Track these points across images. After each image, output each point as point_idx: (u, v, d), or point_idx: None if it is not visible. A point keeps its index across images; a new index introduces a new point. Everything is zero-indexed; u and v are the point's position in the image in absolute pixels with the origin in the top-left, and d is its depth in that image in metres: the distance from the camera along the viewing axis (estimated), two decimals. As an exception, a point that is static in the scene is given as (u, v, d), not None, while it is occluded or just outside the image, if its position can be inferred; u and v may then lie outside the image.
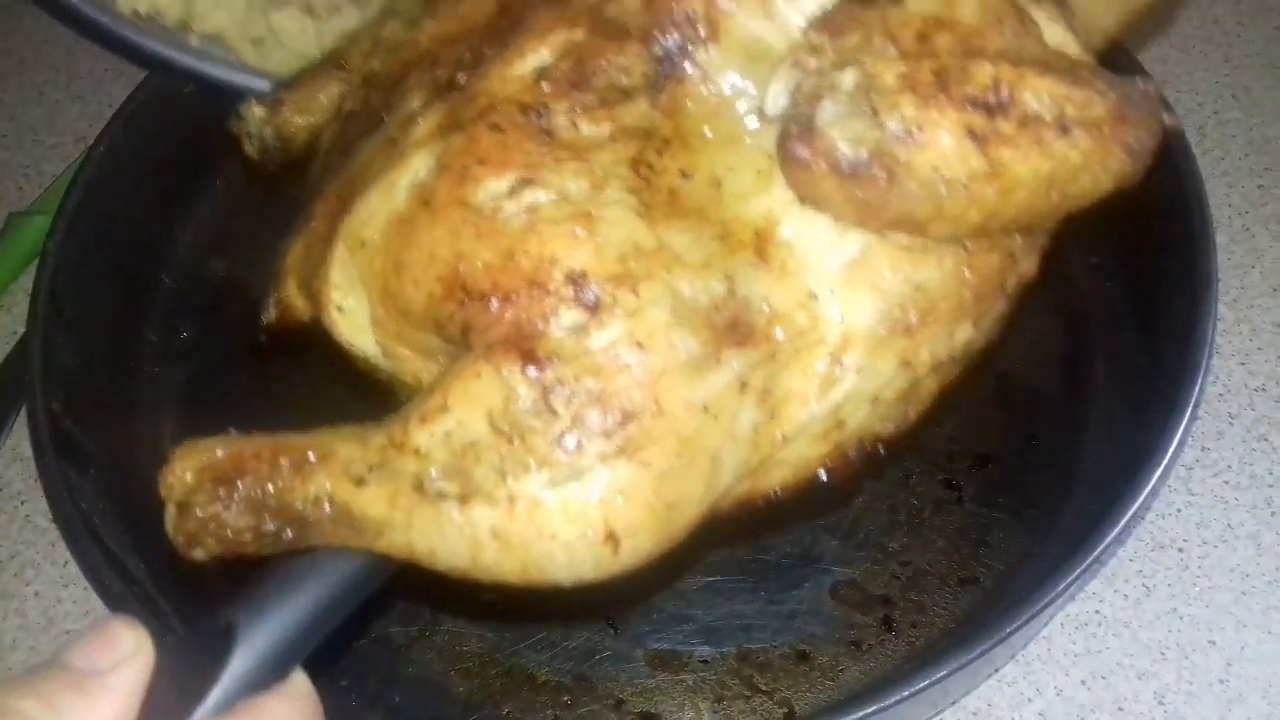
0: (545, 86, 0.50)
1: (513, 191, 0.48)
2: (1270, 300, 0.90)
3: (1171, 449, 0.65)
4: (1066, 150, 0.46)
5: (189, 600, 0.68)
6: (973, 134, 0.45)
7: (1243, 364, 0.86)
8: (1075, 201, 0.48)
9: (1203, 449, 0.82)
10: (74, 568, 0.75)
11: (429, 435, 0.47)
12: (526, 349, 0.46)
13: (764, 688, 0.70)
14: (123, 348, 0.85)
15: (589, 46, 0.50)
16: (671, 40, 0.50)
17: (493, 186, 0.48)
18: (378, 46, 0.59)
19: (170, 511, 0.48)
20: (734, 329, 0.47)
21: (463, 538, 0.46)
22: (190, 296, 0.90)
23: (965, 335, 0.51)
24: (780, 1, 0.50)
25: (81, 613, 0.79)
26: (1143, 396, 0.74)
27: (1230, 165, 0.97)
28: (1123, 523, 0.62)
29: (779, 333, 0.48)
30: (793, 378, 0.48)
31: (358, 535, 0.48)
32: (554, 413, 0.45)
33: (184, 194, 0.92)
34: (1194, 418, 0.67)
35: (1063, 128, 0.45)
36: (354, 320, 0.53)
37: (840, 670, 0.70)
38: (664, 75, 0.50)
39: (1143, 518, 0.77)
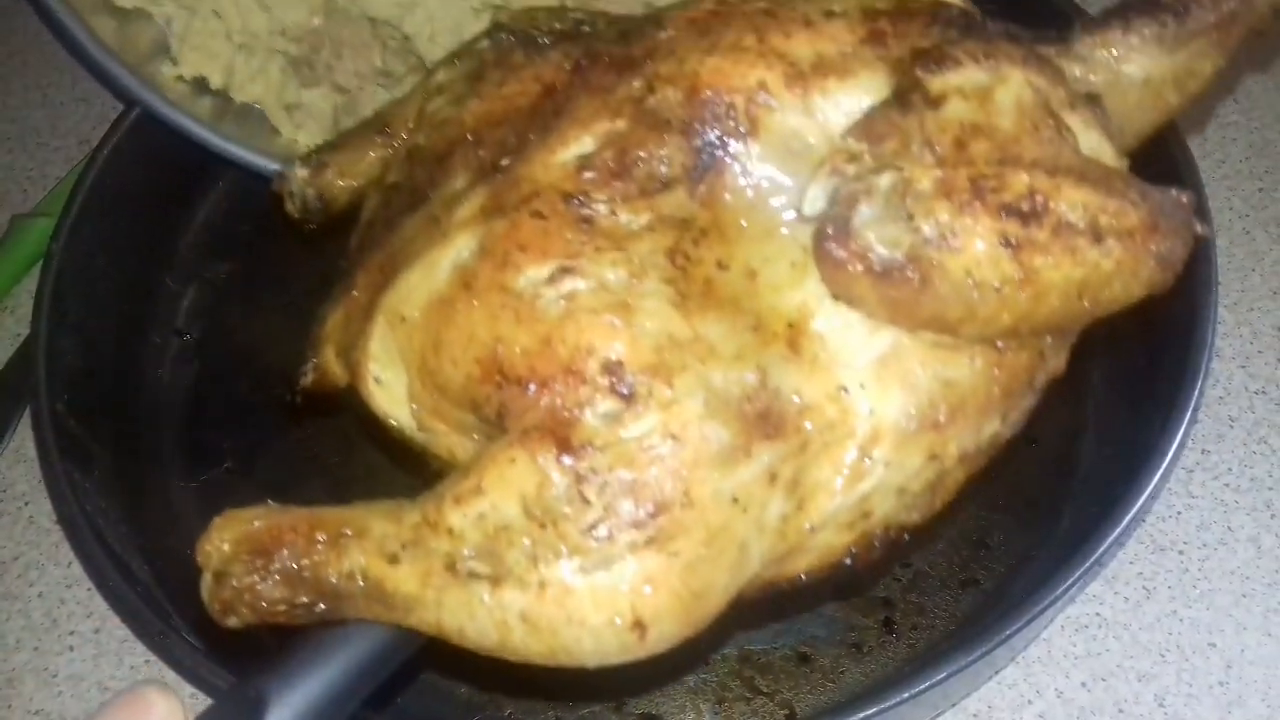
0: (587, 175, 0.51)
1: (552, 279, 0.49)
2: (1270, 303, 0.90)
3: (1171, 452, 0.65)
4: (1099, 259, 0.46)
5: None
6: (1007, 240, 0.46)
7: (1243, 367, 0.87)
8: (1106, 307, 0.48)
9: (1203, 452, 0.82)
10: (78, 569, 0.77)
11: (463, 516, 0.48)
12: (561, 436, 0.47)
13: (765, 689, 0.71)
14: (127, 350, 0.86)
15: (631, 136, 0.51)
16: (712, 133, 0.51)
17: (533, 273, 0.49)
18: (423, 121, 0.60)
19: (207, 579, 0.49)
20: (765, 420, 0.48)
21: (492, 619, 0.47)
22: (194, 299, 0.91)
23: (993, 429, 0.51)
24: (819, 99, 0.51)
25: (85, 614, 0.80)
26: (1142, 400, 0.74)
27: (1231, 168, 0.97)
28: (1122, 525, 0.62)
29: (809, 425, 0.48)
30: (821, 469, 0.49)
31: (389, 611, 0.49)
32: (586, 501, 0.46)
33: (187, 197, 0.94)
34: (1194, 421, 0.67)
35: (1096, 236, 0.46)
36: (390, 392, 0.54)
37: (841, 672, 0.71)
38: (703, 167, 0.51)
39: (1143, 520, 0.78)
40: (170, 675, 0.73)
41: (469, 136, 0.56)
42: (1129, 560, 0.77)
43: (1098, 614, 0.75)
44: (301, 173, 0.68)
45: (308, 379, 0.60)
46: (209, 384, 0.88)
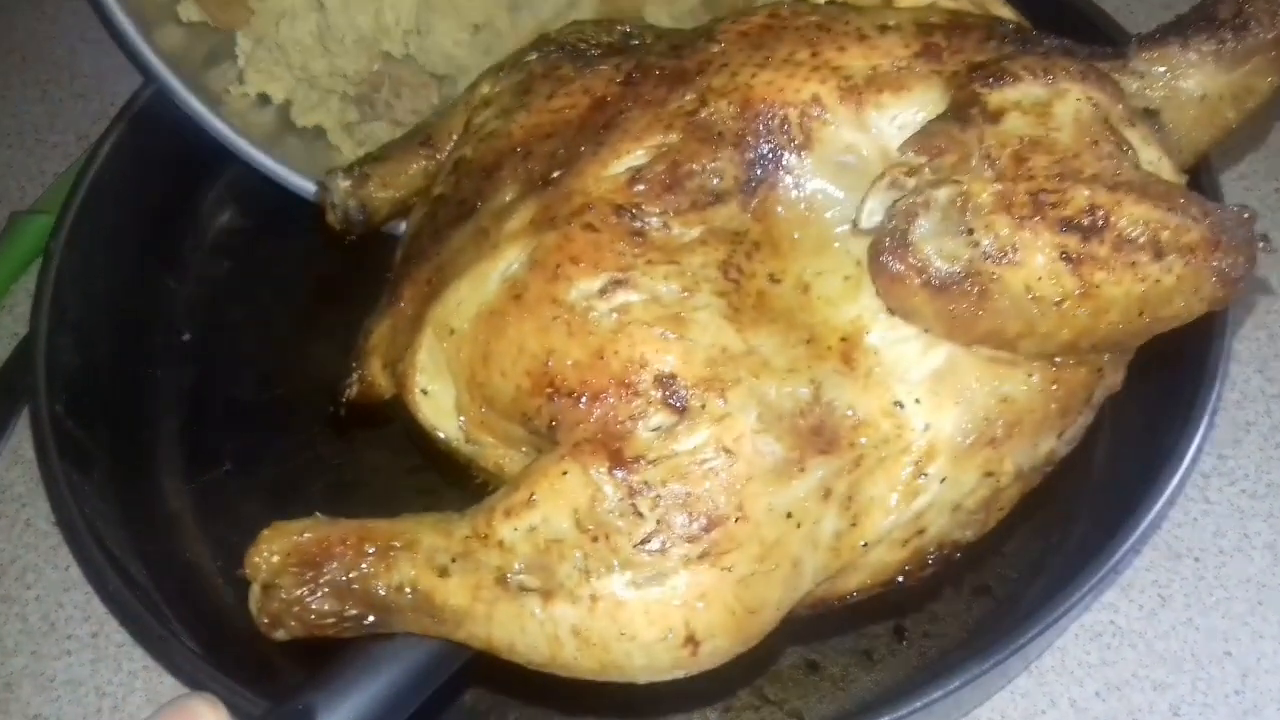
0: (639, 187, 0.50)
1: (604, 291, 0.48)
2: None
3: (1188, 457, 0.64)
4: (1160, 275, 0.46)
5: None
6: (1067, 255, 0.45)
7: (1260, 371, 0.85)
8: (1166, 323, 0.48)
9: (1219, 457, 0.81)
10: (75, 571, 0.77)
11: (514, 529, 0.47)
12: (614, 449, 0.47)
13: (773, 698, 0.69)
14: (126, 350, 0.86)
15: (683, 149, 0.51)
16: (765, 146, 0.51)
17: (585, 285, 0.49)
18: (469, 133, 0.60)
19: (255, 592, 0.49)
20: (819, 435, 0.47)
21: (543, 634, 0.47)
22: (193, 298, 0.90)
23: (1049, 446, 0.51)
24: (873, 113, 0.50)
25: (83, 617, 0.79)
26: (1158, 404, 0.72)
27: (1247, 168, 0.96)
28: (1138, 532, 0.62)
29: (863, 440, 0.48)
30: (876, 485, 0.48)
31: (438, 624, 0.48)
32: (639, 514, 0.46)
33: (187, 195, 0.93)
34: (1211, 425, 0.66)
35: (1157, 252, 0.46)
36: (437, 404, 0.54)
37: (851, 680, 0.69)
38: (756, 180, 0.51)
39: (1158, 527, 0.77)
40: (169, 680, 0.73)
41: (517, 149, 0.56)
42: (1144, 567, 0.76)
43: (1112, 622, 0.75)
44: (344, 183, 0.68)
45: (353, 391, 0.60)
46: (209, 384, 0.87)
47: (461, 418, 0.53)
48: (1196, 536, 0.78)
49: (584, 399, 0.48)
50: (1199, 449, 0.65)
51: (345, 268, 0.79)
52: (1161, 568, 0.77)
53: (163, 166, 0.87)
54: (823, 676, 0.70)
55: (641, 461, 0.46)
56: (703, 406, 0.47)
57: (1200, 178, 0.74)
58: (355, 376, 0.60)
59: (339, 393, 0.61)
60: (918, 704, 0.57)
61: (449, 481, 0.60)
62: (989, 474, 0.50)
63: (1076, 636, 0.74)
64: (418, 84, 0.79)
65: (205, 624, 0.72)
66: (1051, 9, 0.83)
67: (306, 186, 0.79)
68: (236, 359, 0.88)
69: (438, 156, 0.66)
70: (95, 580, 0.67)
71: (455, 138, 0.65)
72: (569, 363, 0.48)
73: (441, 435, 0.55)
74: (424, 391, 0.54)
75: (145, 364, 0.87)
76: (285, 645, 0.71)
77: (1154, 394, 0.73)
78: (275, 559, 0.49)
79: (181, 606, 0.71)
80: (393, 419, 0.62)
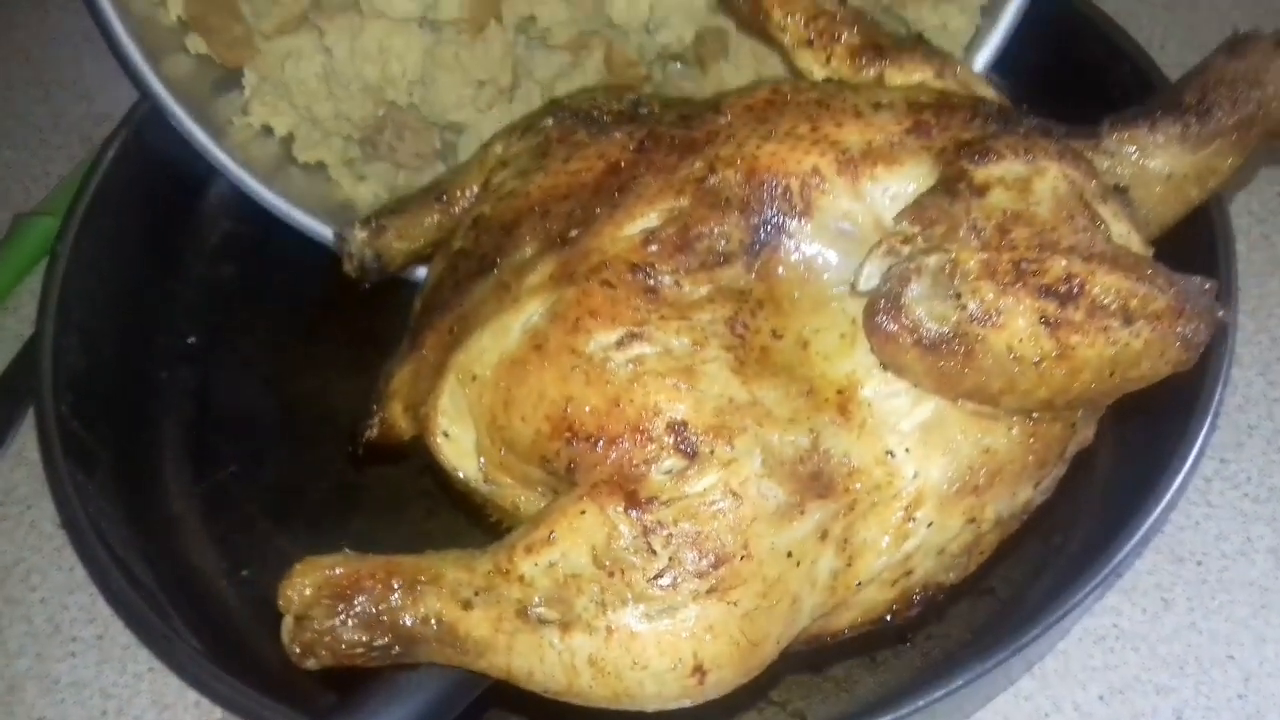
0: (653, 248, 0.54)
1: (621, 344, 0.52)
2: None
3: (1190, 460, 0.65)
4: (1130, 339, 0.50)
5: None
6: (1046, 320, 0.50)
7: (1262, 374, 0.86)
8: (1134, 384, 0.52)
9: (1221, 461, 0.82)
10: (80, 573, 0.76)
11: (534, 565, 0.51)
12: (629, 490, 0.50)
13: (776, 699, 0.70)
14: (131, 351, 0.86)
15: (693, 214, 0.55)
16: (769, 212, 0.55)
17: (602, 338, 0.53)
18: (488, 191, 0.64)
19: (288, 623, 0.52)
20: (817, 480, 0.51)
21: (560, 663, 0.50)
22: (198, 301, 0.91)
23: (1026, 495, 0.55)
24: (868, 184, 0.55)
25: (88, 619, 0.79)
26: (1161, 407, 0.71)
27: (1249, 172, 0.94)
28: (1140, 534, 0.63)
29: (858, 486, 0.52)
30: (869, 529, 0.52)
31: (461, 654, 0.51)
32: (653, 552, 0.49)
33: (192, 199, 0.93)
34: (1213, 428, 0.67)
35: (1127, 319, 0.50)
36: (458, 446, 0.58)
37: (854, 682, 0.70)
38: (760, 243, 0.55)
39: (1160, 530, 0.77)
40: (174, 681, 0.72)
41: (535, 208, 0.60)
42: (1147, 571, 0.76)
43: (1115, 625, 0.75)
44: (361, 234, 0.72)
45: (373, 432, 0.63)
46: (214, 387, 0.87)
47: (481, 459, 0.57)
48: (1199, 540, 0.78)
49: (601, 443, 0.51)
50: (1201, 453, 0.67)
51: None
52: (1164, 571, 0.77)
53: (168, 169, 0.87)
54: (825, 677, 0.70)
55: (655, 502, 0.50)
56: (712, 452, 0.50)
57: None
58: (376, 419, 0.63)
59: (359, 433, 0.64)
60: (920, 703, 0.58)
61: (469, 520, 0.62)
62: (972, 520, 0.54)
63: (1080, 640, 0.74)
64: (420, 128, 0.82)
65: (210, 625, 0.72)
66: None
67: (307, 222, 0.81)
68: (241, 362, 0.89)
69: (452, 210, 0.69)
70: (100, 582, 0.67)
71: (469, 194, 0.69)
72: (587, 409, 0.52)
73: (461, 475, 0.58)
74: (445, 434, 0.58)
75: (150, 366, 0.87)
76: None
77: (1156, 398, 0.75)
78: (308, 591, 0.52)
79: (186, 608, 0.72)
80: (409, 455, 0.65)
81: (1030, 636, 0.60)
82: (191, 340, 0.90)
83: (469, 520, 0.71)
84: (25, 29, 1.18)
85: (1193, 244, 0.72)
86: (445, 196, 0.70)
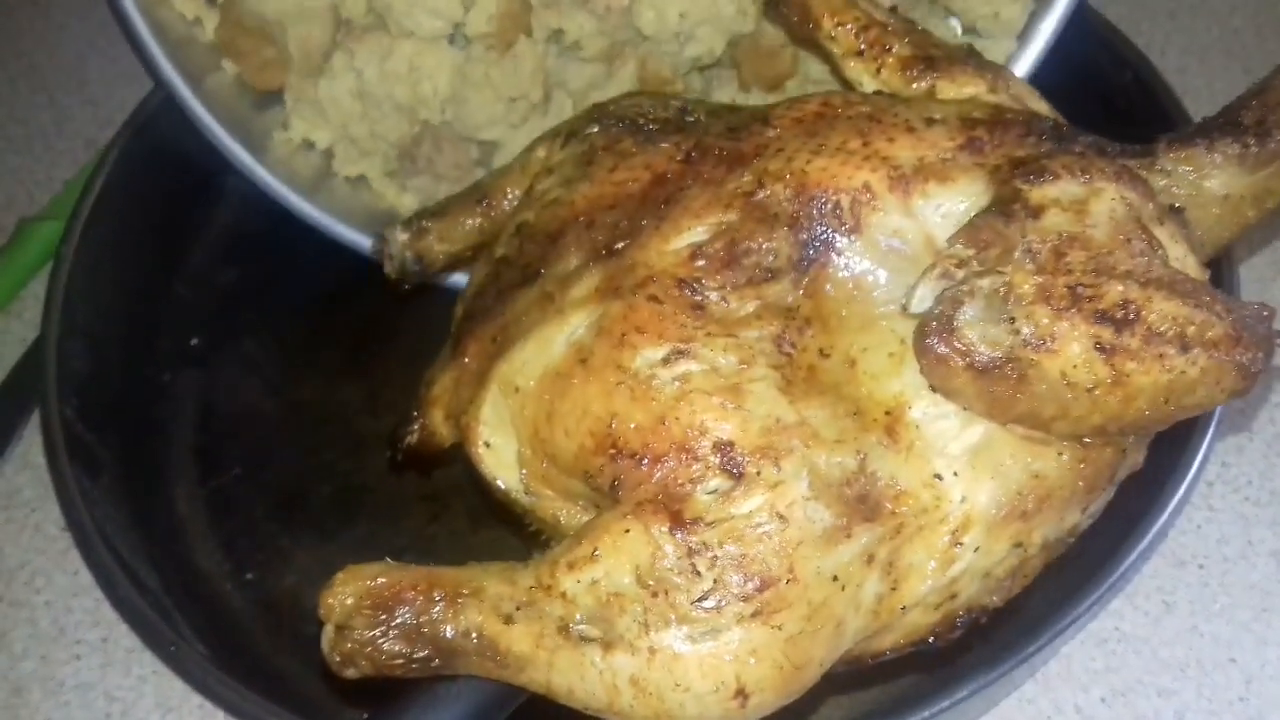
0: (700, 262, 0.54)
1: (667, 360, 0.52)
2: None
3: (1195, 466, 0.65)
4: (1186, 366, 0.49)
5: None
6: (1101, 346, 0.49)
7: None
8: (1189, 411, 0.51)
9: (1223, 464, 0.82)
10: (85, 576, 0.76)
11: (576, 582, 0.50)
12: (675, 510, 0.50)
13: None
14: (135, 355, 0.86)
15: (741, 228, 0.54)
16: (818, 229, 0.54)
17: (649, 354, 0.52)
18: (531, 198, 0.63)
19: (329, 632, 0.52)
20: (864, 503, 0.51)
21: (602, 682, 0.50)
22: (202, 304, 0.91)
23: (1074, 520, 0.54)
24: (920, 201, 0.54)
25: (92, 622, 0.80)
26: None
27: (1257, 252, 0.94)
28: (1145, 541, 0.63)
29: (904, 509, 0.51)
30: (915, 553, 0.51)
31: (500, 668, 0.51)
32: (697, 573, 0.49)
33: (196, 201, 0.94)
34: (1216, 434, 0.67)
35: (1184, 346, 0.49)
36: (499, 456, 0.58)
37: (857, 689, 0.70)
38: (809, 260, 0.54)
39: (1165, 536, 0.77)
40: (178, 684, 0.72)
41: (580, 218, 0.59)
42: (1149, 575, 0.77)
43: (1117, 629, 0.75)
44: (402, 237, 0.71)
45: (414, 438, 0.63)
46: (218, 390, 0.87)
47: (523, 470, 0.56)
48: (1201, 544, 0.79)
49: (646, 461, 0.51)
50: (1205, 458, 0.66)
51: (355, 276, 0.80)
52: (1167, 575, 0.77)
53: (171, 172, 0.88)
54: (830, 684, 0.68)
55: (700, 523, 0.50)
56: (758, 473, 0.50)
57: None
58: (417, 424, 0.63)
59: (399, 438, 0.64)
60: (925, 713, 0.59)
61: (509, 526, 0.62)
62: (1018, 544, 0.53)
63: (1082, 643, 0.75)
64: (457, 139, 0.82)
65: (214, 628, 0.73)
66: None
67: (350, 235, 0.81)
68: (245, 364, 0.89)
69: (494, 213, 0.69)
70: (104, 585, 0.68)
71: (511, 196, 0.69)
72: (632, 426, 0.51)
73: (501, 485, 0.58)
74: (487, 444, 0.57)
75: (155, 369, 0.87)
76: (300, 655, 0.71)
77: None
78: (349, 601, 0.52)
79: (190, 611, 0.72)
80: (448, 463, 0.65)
81: (1035, 646, 0.60)
82: (195, 342, 0.90)
83: (473, 523, 0.72)
84: (30, 33, 1.18)
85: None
86: (487, 199, 0.70)
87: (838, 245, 0.55)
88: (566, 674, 0.51)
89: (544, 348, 0.55)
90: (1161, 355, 0.49)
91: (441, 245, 0.71)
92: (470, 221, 0.70)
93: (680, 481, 0.50)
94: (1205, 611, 0.76)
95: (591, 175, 0.61)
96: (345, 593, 0.52)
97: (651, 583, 0.49)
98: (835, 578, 0.50)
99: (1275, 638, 0.74)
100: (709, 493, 0.50)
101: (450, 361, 0.62)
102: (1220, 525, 0.80)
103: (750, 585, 0.49)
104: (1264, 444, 0.83)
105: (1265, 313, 0.51)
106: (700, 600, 0.49)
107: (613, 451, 0.52)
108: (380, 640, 0.51)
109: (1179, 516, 0.79)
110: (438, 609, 0.51)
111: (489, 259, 0.64)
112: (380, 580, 0.52)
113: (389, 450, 0.65)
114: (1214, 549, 0.79)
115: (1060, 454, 0.52)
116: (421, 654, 0.52)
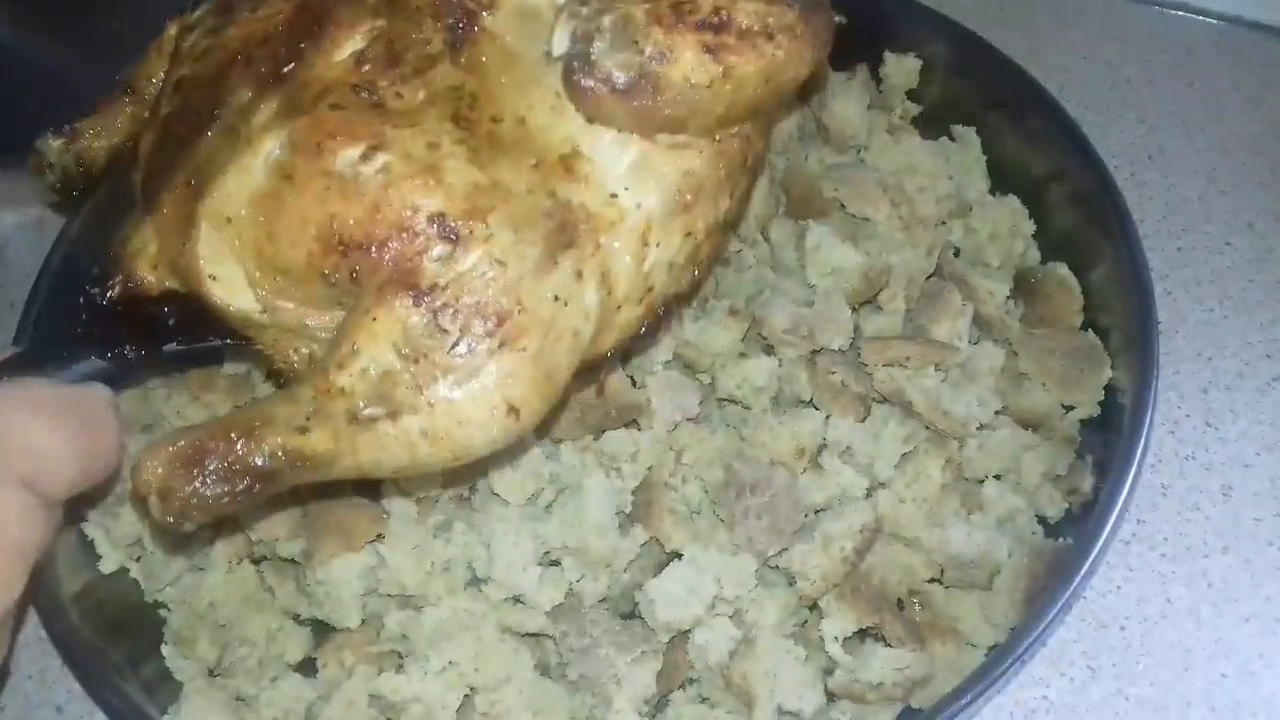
0: (366, 67, 0.60)
1: (365, 157, 0.58)
2: (1194, 364, 0.88)
3: (1108, 527, 0.68)
4: (773, 50, 0.61)
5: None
6: (707, 48, 0.59)
7: (1172, 432, 0.85)
8: (785, 87, 0.63)
9: (1138, 521, 0.82)
10: None
11: (349, 376, 0.57)
12: (411, 283, 0.57)
13: None
14: None
15: (393, 29, 0.60)
16: (458, 10, 0.61)
17: (347, 155, 0.58)
18: (181, 57, 0.65)
19: (154, 501, 0.56)
20: (563, 233, 0.60)
21: (400, 445, 0.58)
22: None
23: (725, 205, 0.66)
24: (536, -34, 0.62)
25: None
26: (1079, 470, 0.77)
27: (1149, 228, 0.95)
28: (1058, 606, 0.67)
29: (597, 228, 0.61)
30: (616, 260, 0.61)
31: (314, 471, 0.58)
32: (444, 330, 0.57)
33: None
34: (1132, 492, 0.70)
35: (768, 34, 0.61)
36: (228, 285, 0.62)
37: None
38: (459, 40, 0.61)
39: (1082, 596, 0.79)
40: None
41: (239, 57, 0.63)
42: (1073, 639, 0.77)
43: (1044, 697, 0.75)
44: (55, 142, 0.72)
45: (114, 292, 0.64)
46: None
47: (260, 291, 0.61)
48: (1121, 604, 0.78)
49: (374, 248, 0.57)
50: (1119, 518, 0.68)
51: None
52: (1090, 639, 0.77)
53: None
54: None
55: (436, 288, 0.57)
56: (471, 233, 0.58)
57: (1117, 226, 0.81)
58: (116, 280, 0.64)
59: (101, 294, 0.65)
60: None
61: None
62: (689, 234, 0.64)
63: (1011, 715, 0.75)
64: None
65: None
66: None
67: None
68: None
69: (144, 98, 0.71)
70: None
71: (155, 80, 0.70)
72: (351, 221, 0.57)
73: (235, 310, 0.62)
74: (213, 277, 0.61)
75: None
76: None
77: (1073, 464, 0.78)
78: (160, 470, 0.55)
79: None
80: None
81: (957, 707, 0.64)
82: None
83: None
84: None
85: (1121, 314, 0.80)
86: (132, 89, 0.71)
87: (481, 22, 0.62)
88: (371, 452, 0.58)
89: (244, 175, 0.59)
90: (754, 45, 0.60)
91: (100, 141, 0.72)
92: (122, 112, 0.72)
93: (408, 256, 0.57)
94: (1129, 674, 0.76)
95: (235, 19, 0.64)
96: (154, 465, 0.56)
97: (409, 352, 0.57)
98: (556, 297, 0.59)
99: (1199, 698, 0.75)
100: (435, 260, 0.57)
101: (144, 218, 0.64)
102: (1139, 585, 0.79)
103: (490, 324, 0.57)
104: (1176, 500, 0.83)
105: None
106: (454, 350, 0.57)
107: (341, 248, 0.58)
108: (203, 489, 0.55)
109: (1096, 577, 0.80)
110: (240, 446, 0.56)
111: (154, 122, 0.66)
112: (180, 444, 0.56)
113: (84, 314, 0.65)
114: (1134, 609, 0.78)
115: (700, 152, 0.63)
116: (242, 486, 0.56)
